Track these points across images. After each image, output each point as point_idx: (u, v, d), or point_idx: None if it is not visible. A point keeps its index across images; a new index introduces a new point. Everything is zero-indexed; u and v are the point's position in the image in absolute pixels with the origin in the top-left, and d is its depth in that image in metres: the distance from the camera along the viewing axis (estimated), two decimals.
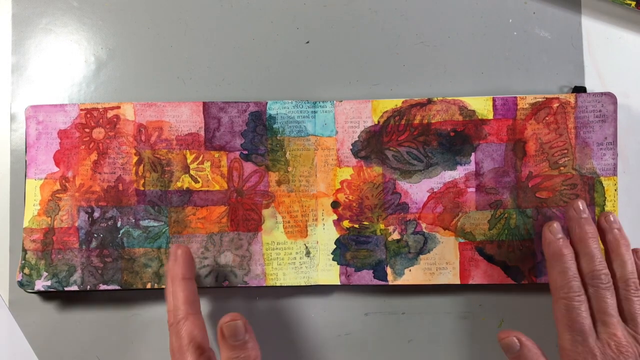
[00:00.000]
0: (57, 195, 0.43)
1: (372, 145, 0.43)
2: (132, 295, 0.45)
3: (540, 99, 0.43)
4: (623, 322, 0.38)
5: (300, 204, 0.44)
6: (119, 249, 0.43)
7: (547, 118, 0.43)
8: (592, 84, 0.45)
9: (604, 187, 0.43)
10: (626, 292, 0.38)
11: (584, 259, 0.39)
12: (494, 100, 0.43)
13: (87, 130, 0.43)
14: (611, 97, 0.42)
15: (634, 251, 0.41)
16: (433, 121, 0.43)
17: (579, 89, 0.43)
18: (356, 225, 0.43)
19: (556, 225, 0.41)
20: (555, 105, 0.43)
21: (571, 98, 0.43)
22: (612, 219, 0.41)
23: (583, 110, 0.43)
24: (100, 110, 0.43)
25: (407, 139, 0.43)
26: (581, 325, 0.37)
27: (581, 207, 0.41)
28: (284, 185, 0.44)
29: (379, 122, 0.43)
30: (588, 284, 0.39)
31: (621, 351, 0.37)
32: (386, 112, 0.43)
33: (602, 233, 0.41)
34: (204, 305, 0.44)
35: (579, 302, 0.38)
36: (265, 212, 0.44)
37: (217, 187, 0.43)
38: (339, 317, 0.45)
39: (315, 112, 0.43)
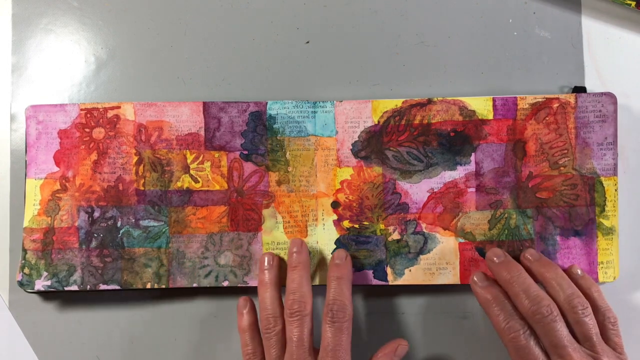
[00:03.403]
0: (57, 195, 0.43)
1: (372, 145, 0.43)
2: (132, 295, 0.44)
3: (540, 99, 0.43)
4: (580, 346, 0.37)
5: (300, 204, 0.43)
6: (119, 248, 0.43)
7: (547, 118, 0.42)
8: (592, 84, 0.44)
9: (604, 187, 0.42)
10: (575, 316, 0.37)
11: (517, 300, 0.38)
12: (494, 100, 0.43)
13: (87, 130, 0.43)
14: (611, 97, 0.42)
15: (569, 271, 0.40)
16: (433, 121, 0.43)
17: (579, 89, 0.43)
18: (356, 225, 0.43)
19: (478, 275, 0.40)
20: (555, 105, 0.42)
21: (571, 98, 0.42)
22: (529, 255, 0.41)
23: (583, 111, 0.42)
24: (101, 110, 0.43)
25: (407, 139, 0.43)
26: None
27: (497, 253, 0.41)
28: (284, 185, 0.43)
29: (379, 122, 0.43)
30: (532, 324, 0.37)
31: None
32: (386, 112, 0.43)
33: (527, 271, 0.40)
34: (203, 305, 0.44)
35: (525, 339, 0.37)
36: (265, 212, 0.43)
37: (217, 187, 0.43)
38: None
39: (315, 112, 0.43)
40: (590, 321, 0.37)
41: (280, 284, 0.42)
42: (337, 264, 0.41)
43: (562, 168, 0.42)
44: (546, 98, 0.43)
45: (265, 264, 0.42)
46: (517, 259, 0.41)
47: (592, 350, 0.36)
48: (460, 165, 0.43)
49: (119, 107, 0.43)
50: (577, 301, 0.37)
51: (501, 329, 0.38)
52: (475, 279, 0.40)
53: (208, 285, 0.43)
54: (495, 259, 0.41)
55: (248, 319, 0.41)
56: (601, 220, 0.42)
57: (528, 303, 0.37)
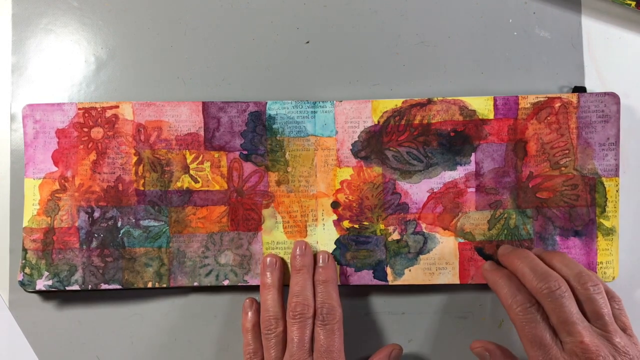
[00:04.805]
0: (57, 195, 0.41)
1: (372, 145, 0.41)
2: (132, 294, 0.43)
3: (542, 99, 0.41)
4: (589, 323, 0.34)
5: (299, 204, 0.41)
6: (120, 248, 0.41)
7: (548, 118, 0.41)
8: (592, 84, 0.43)
9: (605, 188, 0.40)
10: (586, 292, 0.34)
11: (525, 279, 0.36)
12: (495, 100, 0.41)
13: (85, 129, 0.41)
14: (614, 97, 0.40)
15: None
16: (433, 121, 0.41)
17: (579, 89, 0.41)
18: (356, 226, 0.41)
19: (488, 263, 0.40)
20: (557, 105, 0.41)
21: (573, 98, 0.41)
22: (534, 251, 0.40)
23: (585, 110, 0.40)
24: (99, 109, 0.41)
25: (407, 139, 0.41)
26: (541, 338, 0.34)
27: (506, 247, 0.40)
28: (283, 185, 0.41)
29: (379, 122, 0.41)
30: (540, 300, 0.35)
31: (590, 357, 0.32)
32: (386, 112, 0.41)
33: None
34: (204, 305, 0.43)
35: (532, 313, 0.34)
36: (265, 212, 0.41)
37: (217, 187, 0.41)
38: None
39: (315, 112, 0.41)
40: (602, 299, 0.34)
41: (282, 285, 0.41)
42: (321, 266, 0.40)
43: (563, 168, 0.41)
44: (548, 97, 0.41)
45: (268, 266, 0.40)
46: None
47: (604, 330, 0.34)
48: (460, 165, 0.41)
49: (117, 107, 0.41)
50: (587, 277, 0.35)
51: (508, 305, 0.35)
52: (486, 266, 0.40)
53: (209, 284, 0.42)
54: (504, 252, 0.39)
55: (253, 319, 0.40)
56: (601, 220, 0.41)
57: (535, 280, 0.35)
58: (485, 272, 0.39)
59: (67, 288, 0.41)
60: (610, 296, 0.36)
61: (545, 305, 0.34)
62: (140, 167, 0.41)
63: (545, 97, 0.41)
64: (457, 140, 0.41)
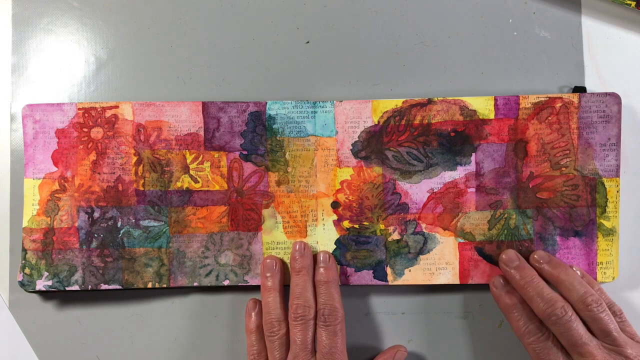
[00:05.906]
0: (56, 195, 0.40)
1: (372, 145, 0.41)
2: (132, 294, 0.42)
3: (543, 99, 0.40)
4: (599, 341, 0.35)
5: (299, 204, 0.41)
6: (120, 248, 0.40)
7: (549, 118, 0.40)
8: (592, 84, 0.42)
9: (605, 189, 0.40)
10: (590, 313, 0.36)
11: (532, 303, 0.37)
12: (495, 99, 0.40)
13: (85, 129, 0.41)
14: (615, 98, 0.40)
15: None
16: (433, 121, 0.40)
17: (579, 89, 0.41)
18: (356, 226, 0.41)
19: (497, 280, 0.39)
20: (558, 105, 0.40)
21: (574, 98, 0.40)
22: (538, 257, 0.39)
23: (586, 111, 0.40)
24: (99, 109, 0.41)
25: (407, 139, 0.41)
26: None
27: (511, 258, 0.39)
28: (283, 185, 0.41)
29: (379, 122, 0.41)
30: (549, 325, 0.36)
31: None
32: (386, 112, 0.41)
33: (538, 272, 0.39)
34: (204, 305, 0.42)
35: (543, 341, 0.36)
36: (265, 212, 0.41)
37: (217, 187, 0.41)
38: None
39: (315, 112, 0.41)
40: (607, 317, 0.36)
41: (283, 286, 0.40)
42: (322, 267, 0.40)
43: (563, 168, 0.40)
44: (549, 97, 0.40)
45: (267, 268, 0.40)
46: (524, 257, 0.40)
47: (614, 344, 0.35)
48: (461, 165, 0.40)
49: (117, 107, 0.41)
50: (590, 299, 0.36)
51: (521, 333, 0.37)
52: (495, 283, 0.39)
53: (209, 285, 0.41)
54: (509, 265, 0.39)
55: (256, 320, 0.40)
56: (602, 221, 0.40)
57: (543, 305, 0.36)
58: (495, 291, 0.39)
59: (67, 288, 0.40)
60: (612, 310, 0.37)
61: (554, 329, 0.36)
62: (140, 167, 0.41)
63: (546, 97, 0.40)
64: (458, 140, 0.40)
